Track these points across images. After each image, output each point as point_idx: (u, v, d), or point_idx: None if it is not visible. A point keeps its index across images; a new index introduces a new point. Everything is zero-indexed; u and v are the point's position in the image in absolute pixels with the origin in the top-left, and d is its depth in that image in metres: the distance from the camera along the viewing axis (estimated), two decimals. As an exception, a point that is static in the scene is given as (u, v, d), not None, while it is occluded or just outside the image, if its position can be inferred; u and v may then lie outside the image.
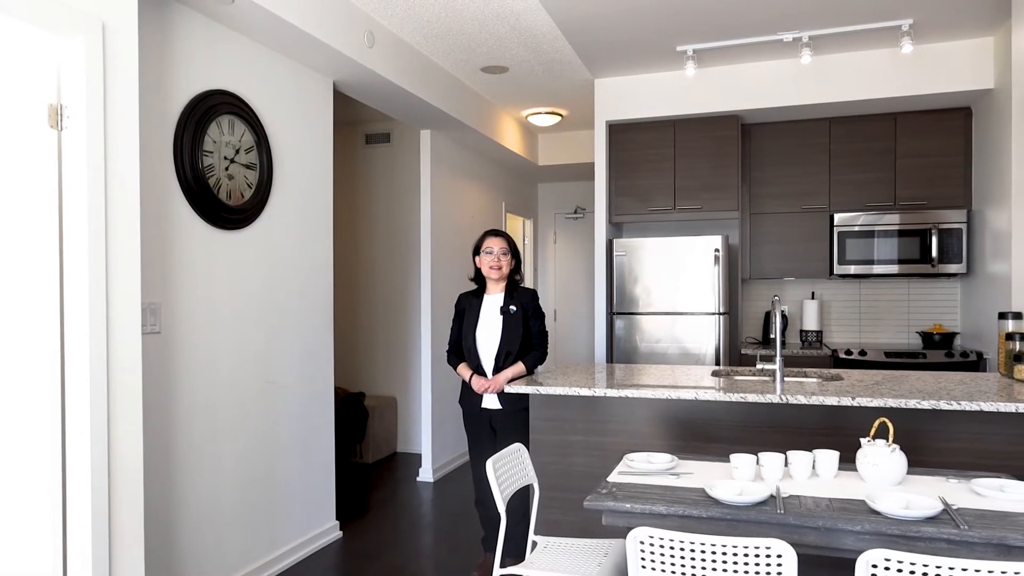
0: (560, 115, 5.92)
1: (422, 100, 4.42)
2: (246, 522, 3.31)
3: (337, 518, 4.13)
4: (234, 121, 3.23)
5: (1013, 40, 3.32)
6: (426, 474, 5.18)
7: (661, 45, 4.37)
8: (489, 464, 2.38)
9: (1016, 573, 1.50)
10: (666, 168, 4.95)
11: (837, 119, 4.88)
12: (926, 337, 4.76)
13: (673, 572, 1.75)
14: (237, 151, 3.25)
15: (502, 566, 2.38)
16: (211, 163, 3.10)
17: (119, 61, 2.35)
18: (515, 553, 3.26)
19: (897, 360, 4.56)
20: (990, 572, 1.50)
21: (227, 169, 3.19)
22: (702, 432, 3.03)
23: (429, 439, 5.18)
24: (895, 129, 4.77)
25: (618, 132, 5.06)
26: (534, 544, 2.61)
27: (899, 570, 1.56)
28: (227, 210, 3.18)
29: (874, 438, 2.21)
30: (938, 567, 1.53)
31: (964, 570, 1.51)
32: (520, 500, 3.24)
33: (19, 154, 2.16)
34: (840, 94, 4.52)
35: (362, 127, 6.08)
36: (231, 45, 3.23)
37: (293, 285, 3.66)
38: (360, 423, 5.60)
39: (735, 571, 1.68)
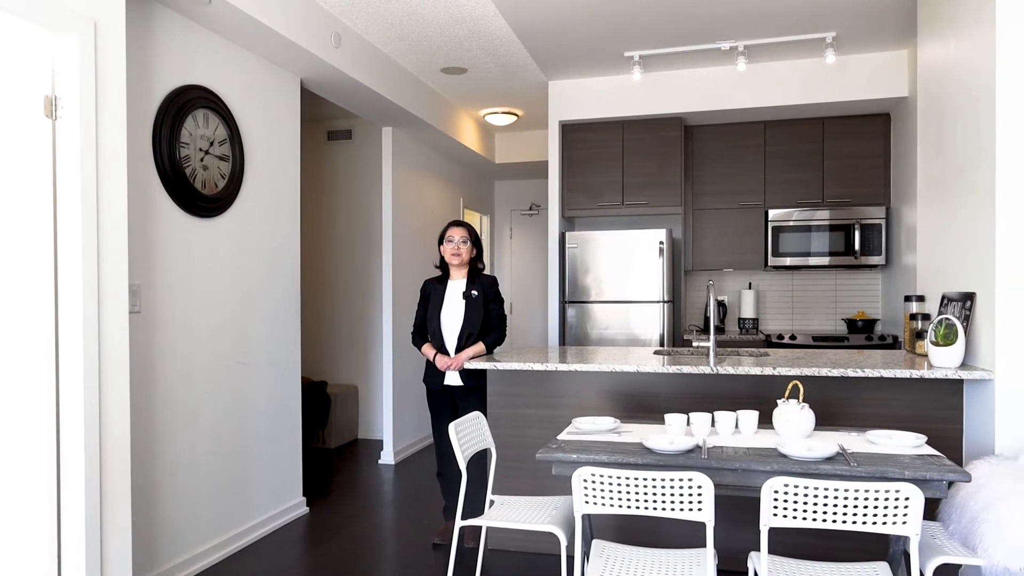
0: (516, 115, 6.21)
1: (385, 98, 4.65)
2: (219, 494, 3.50)
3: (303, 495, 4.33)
4: (209, 115, 3.42)
5: (918, 56, 3.73)
6: (387, 457, 5.40)
7: (610, 50, 4.69)
8: (451, 427, 2.65)
9: (887, 491, 1.83)
10: (615, 166, 5.28)
11: (771, 122, 5.28)
12: (850, 323, 5.19)
13: (611, 504, 2.04)
14: (211, 143, 3.44)
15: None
16: (187, 154, 3.28)
17: (109, 57, 2.54)
18: (474, 516, 3.52)
19: (823, 344, 4.98)
20: (866, 491, 1.84)
21: (202, 160, 3.38)
22: (644, 403, 3.35)
23: (390, 422, 5.40)
24: (823, 132, 5.19)
25: (570, 132, 5.37)
26: (491, 502, 2.88)
27: (795, 493, 1.88)
28: (202, 199, 3.37)
29: (788, 399, 2.54)
30: (826, 488, 1.85)
31: (846, 490, 1.84)
32: (479, 468, 3.50)
33: (17, 141, 2.33)
34: (773, 99, 4.92)
35: (325, 123, 6.26)
36: (206, 43, 3.42)
37: (263, 271, 3.86)
38: (323, 410, 5.78)
39: (663, 500, 1.99)
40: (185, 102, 3.25)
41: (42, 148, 2.37)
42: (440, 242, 3.71)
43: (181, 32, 3.25)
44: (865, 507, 1.85)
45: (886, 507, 1.84)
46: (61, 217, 2.41)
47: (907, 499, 1.82)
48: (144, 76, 3.06)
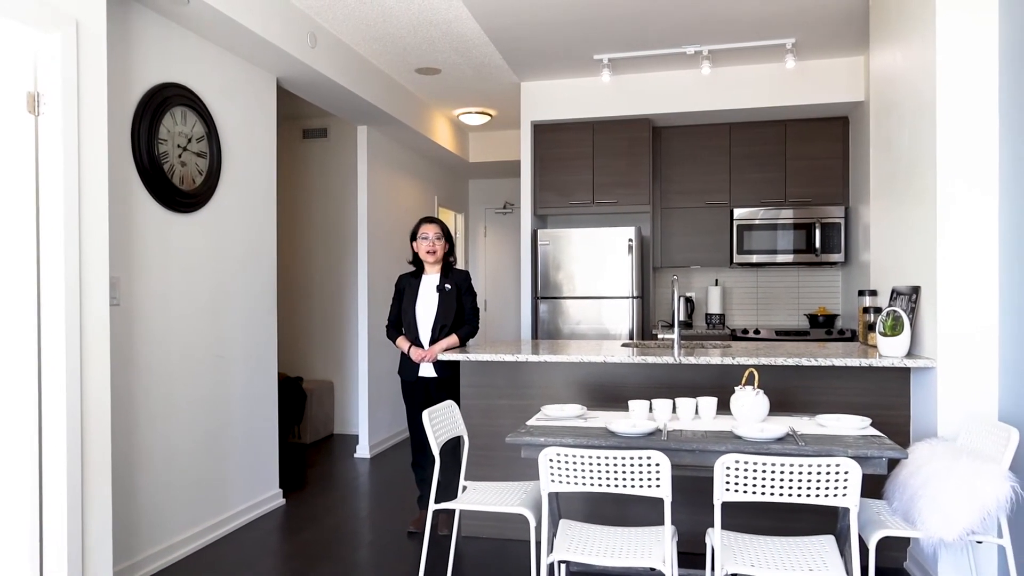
0: (489, 115, 6.33)
1: (360, 98, 4.73)
2: (197, 484, 3.56)
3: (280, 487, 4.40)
4: (186, 112, 3.49)
5: (871, 62, 3.92)
6: (363, 451, 5.48)
7: (580, 53, 4.83)
8: (425, 414, 2.76)
9: (827, 465, 1.98)
10: (585, 166, 5.42)
11: (736, 124, 5.46)
12: (812, 318, 5.39)
13: (576, 483, 2.17)
14: (189, 140, 3.51)
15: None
16: (165, 150, 3.35)
17: (90, 55, 2.60)
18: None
19: (785, 338, 5.17)
20: (810, 465, 1.98)
21: (180, 157, 3.44)
22: (611, 394, 3.49)
23: (366, 417, 5.48)
24: (785, 134, 5.39)
25: (542, 132, 5.50)
26: (464, 488, 2.99)
27: (746, 469, 2.02)
28: (180, 194, 3.43)
29: (744, 385, 2.69)
30: (773, 463, 2.00)
31: (792, 464, 1.99)
32: (452, 457, 3.61)
33: (0, 136, 2.39)
34: (737, 102, 5.10)
35: (300, 122, 6.32)
36: (185, 42, 3.48)
37: (240, 266, 3.93)
38: (298, 405, 5.84)
39: (624, 477, 2.12)
40: (164, 100, 3.31)
41: (25, 144, 2.43)
42: (412, 238, 3.81)
43: (160, 31, 3.31)
44: (809, 481, 1.99)
45: (828, 480, 1.98)
46: (43, 211, 2.47)
47: (847, 473, 1.97)
48: (124, 74, 3.12)
